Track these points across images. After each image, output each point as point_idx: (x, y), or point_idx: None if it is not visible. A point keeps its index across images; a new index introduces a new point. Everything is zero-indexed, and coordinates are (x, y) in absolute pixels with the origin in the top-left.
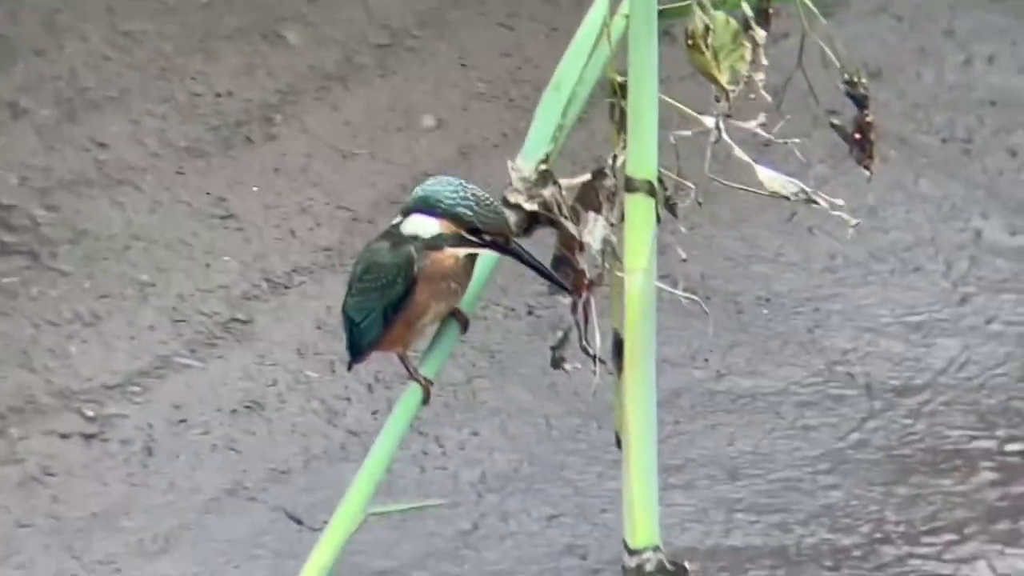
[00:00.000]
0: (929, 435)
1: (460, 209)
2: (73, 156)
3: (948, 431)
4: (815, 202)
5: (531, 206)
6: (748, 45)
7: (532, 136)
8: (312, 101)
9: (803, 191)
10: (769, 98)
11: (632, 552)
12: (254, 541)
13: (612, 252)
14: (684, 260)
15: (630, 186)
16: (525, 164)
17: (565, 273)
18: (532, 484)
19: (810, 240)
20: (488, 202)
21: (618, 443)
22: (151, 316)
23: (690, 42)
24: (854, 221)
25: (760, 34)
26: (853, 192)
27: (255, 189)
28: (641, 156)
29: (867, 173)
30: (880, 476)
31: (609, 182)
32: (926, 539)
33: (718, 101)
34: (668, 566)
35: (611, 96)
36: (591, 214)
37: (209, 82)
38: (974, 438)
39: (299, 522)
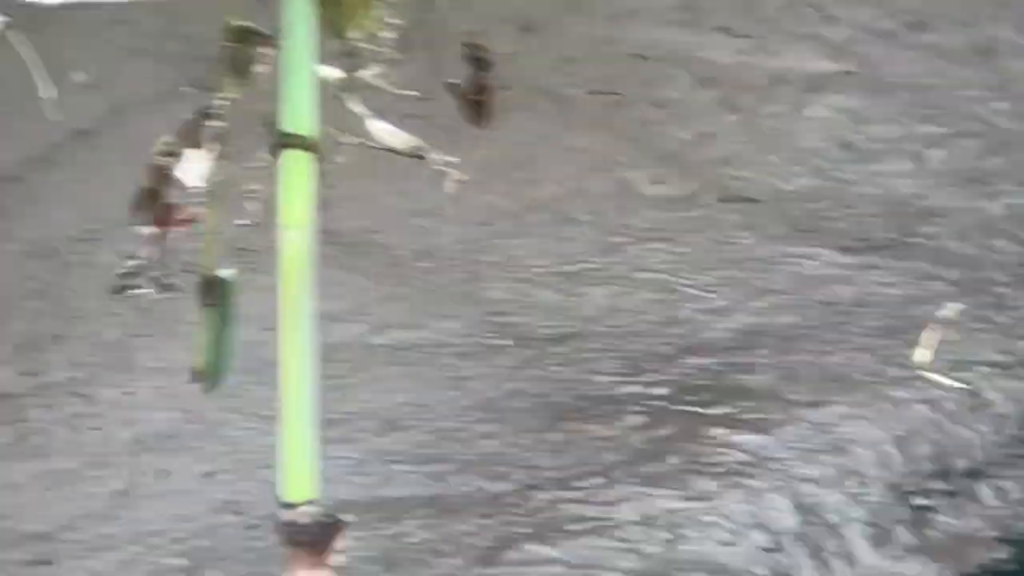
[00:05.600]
0: (579, 382)
1: None
2: None
3: (597, 377)
4: (423, 157)
5: None
6: (379, 4)
7: None
8: None
9: (418, 147)
10: (398, 56)
11: (287, 506)
12: None
13: (214, 193)
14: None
15: (287, 142)
16: None
17: (150, 205)
18: (189, 442)
19: (468, 194)
20: None
21: (194, 378)
22: None
23: None
24: (458, 176)
25: None
26: (502, 145)
27: None
28: (299, 111)
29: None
30: (533, 423)
31: (216, 124)
32: (575, 483)
33: (350, 56)
34: (323, 519)
35: (226, 40)
36: (190, 151)
37: None
38: (621, 383)
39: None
